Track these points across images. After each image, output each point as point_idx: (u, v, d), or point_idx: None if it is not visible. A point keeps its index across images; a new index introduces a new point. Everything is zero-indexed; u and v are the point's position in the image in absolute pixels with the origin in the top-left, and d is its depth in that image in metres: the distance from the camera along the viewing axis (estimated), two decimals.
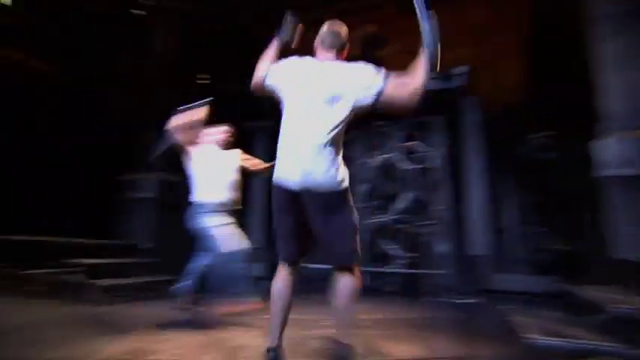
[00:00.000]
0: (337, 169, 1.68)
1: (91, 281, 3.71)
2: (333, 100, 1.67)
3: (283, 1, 7.44)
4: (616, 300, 2.05)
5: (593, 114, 3.49)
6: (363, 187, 5.45)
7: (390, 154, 5.37)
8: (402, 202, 5.20)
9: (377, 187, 5.40)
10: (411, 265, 5.09)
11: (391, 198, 5.34)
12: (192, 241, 5.60)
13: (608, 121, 3.22)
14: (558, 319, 2.44)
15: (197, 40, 6.09)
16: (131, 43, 6.06)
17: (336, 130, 1.67)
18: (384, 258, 5.19)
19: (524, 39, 6.29)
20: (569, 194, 4.77)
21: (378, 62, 5.64)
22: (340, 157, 1.73)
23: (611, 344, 1.92)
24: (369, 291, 5.07)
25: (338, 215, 1.71)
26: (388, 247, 5.14)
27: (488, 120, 5.23)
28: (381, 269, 5.12)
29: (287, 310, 1.77)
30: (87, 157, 5.62)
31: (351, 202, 1.77)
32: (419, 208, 5.15)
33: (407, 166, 5.25)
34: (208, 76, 6.63)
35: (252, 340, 2.52)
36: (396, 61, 6.70)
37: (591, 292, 2.41)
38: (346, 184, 1.73)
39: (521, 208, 5.16)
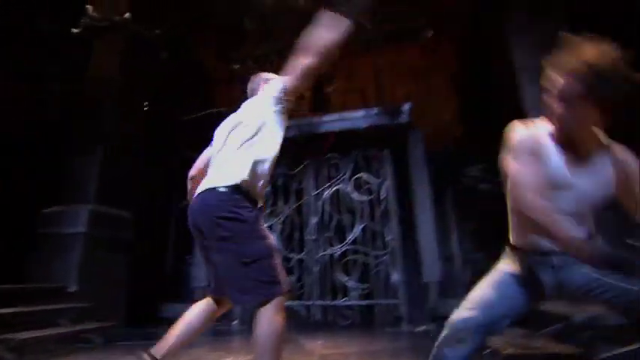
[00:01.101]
0: None
1: (6, 336, 3.06)
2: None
3: (234, 33, 7.57)
4: (572, 310, 2.21)
5: None
6: (314, 220, 5.42)
7: (341, 185, 5.45)
8: (354, 233, 5.25)
9: (329, 218, 5.40)
10: (365, 297, 5.06)
11: (343, 229, 5.36)
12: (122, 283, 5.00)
13: None
14: (520, 335, 2.55)
15: (143, 65, 5.80)
16: (69, 65, 5.57)
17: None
18: (337, 291, 5.11)
19: (457, 79, 7.02)
20: (501, 220, 5.20)
21: (324, 98, 5.82)
22: None
23: (573, 350, 2.06)
24: (324, 325, 4.93)
25: None
26: (341, 279, 5.08)
27: (432, 154, 5.62)
28: (335, 302, 5.01)
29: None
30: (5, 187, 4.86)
31: None
32: (370, 238, 5.23)
33: (358, 197, 5.35)
34: (150, 103, 6.29)
35: None
36: (339, 99, 7.04)
37: (549, 306, 2.57)
38: None
39: (465, 236, 5.50)
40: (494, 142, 5.69)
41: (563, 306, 2.57)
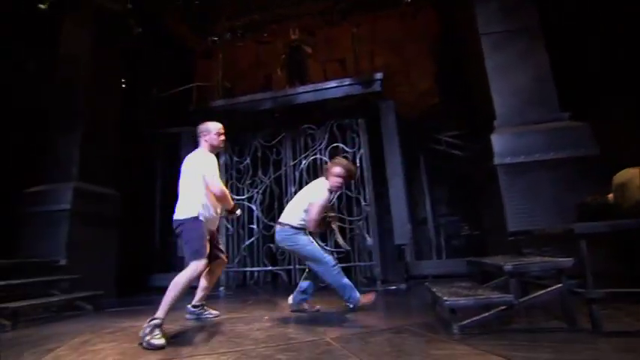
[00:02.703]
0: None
1: (2, 305, 3.30)
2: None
3: (210, 7, 7.45)
4: (506, 262, 2.46)
5: (489, 113, 4.10)
6: (293, 189, 5.62)
7: (318, 155, 5.62)
8: (331, 200, 5.46)
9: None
10: (342, 260, 5.34)
11: None
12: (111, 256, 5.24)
13: (499, 119, 3.82)
14: (466, 287, 2.83)
15: (116, 40, 5.77)
16: (40, 41, 5.54)
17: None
18: None
19: (435, 48, 7.05)
20: (473, 185, 5.44)
21: (301, 68, 5.79)
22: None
23: (504, 295, 2.32)
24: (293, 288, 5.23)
25: None
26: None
27: (405, 122, 5.76)
28: None
29: None
30: None
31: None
32: (347, 205, 5.46)
33: None
34: (126, 79, 6.30)
35: (189, 336, 2.54)
36: (319, 68, 7.01)
37: (490, 261, 2.84)
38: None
39: (437, 200, 5.76)
40: (466, 109, 5.83)
41: (500, 259, 2.84)
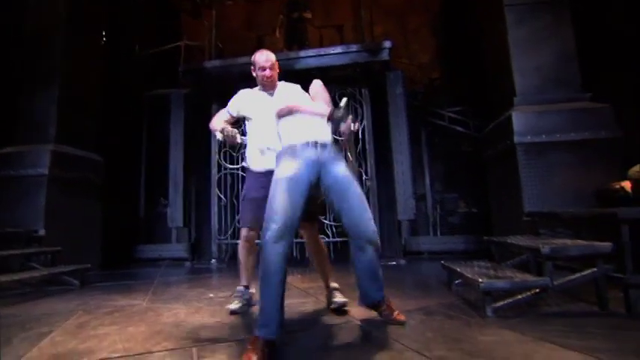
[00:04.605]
0: None
1: None
2: None
3: None
4: (537, 244, 2.39)
5: (505, 90, 3.95)
6: None
7: None
8: None
9: None
10: (340, 234, 5.23)
11: None
12: (95, 225, 4.87)
13: (520, 97, 3.68)
14: (488, 267, 2.76)
15: None
16: None
17: None
18: None
19: (438, 20, 6.78)
20: (476, 162, 5.38)
21: (300, 28, 5.40)
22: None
23: (540, 278, 2.25)
24: (301, 262, 5.12)
25: None
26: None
27: (409, 94, 5.55)
28: None
29: None
30: None
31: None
32: None
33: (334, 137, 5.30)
34: (109, 35, 5.68)
35: (200, 319, 2.34)
36: (316, 34, 6.63)
37: (517, 240, 2.77)
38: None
39: (436, 177, 5.68)
40: (471, 84, 5.62)
41: (529, 240, 2.77)
